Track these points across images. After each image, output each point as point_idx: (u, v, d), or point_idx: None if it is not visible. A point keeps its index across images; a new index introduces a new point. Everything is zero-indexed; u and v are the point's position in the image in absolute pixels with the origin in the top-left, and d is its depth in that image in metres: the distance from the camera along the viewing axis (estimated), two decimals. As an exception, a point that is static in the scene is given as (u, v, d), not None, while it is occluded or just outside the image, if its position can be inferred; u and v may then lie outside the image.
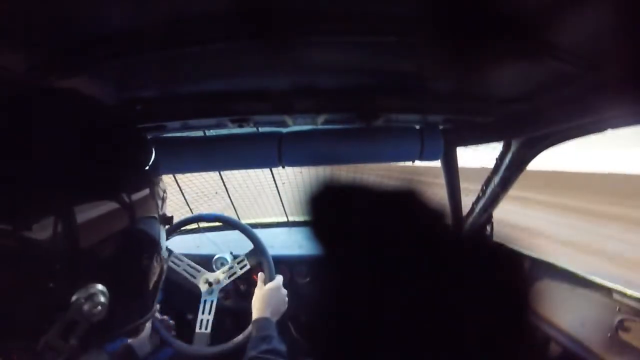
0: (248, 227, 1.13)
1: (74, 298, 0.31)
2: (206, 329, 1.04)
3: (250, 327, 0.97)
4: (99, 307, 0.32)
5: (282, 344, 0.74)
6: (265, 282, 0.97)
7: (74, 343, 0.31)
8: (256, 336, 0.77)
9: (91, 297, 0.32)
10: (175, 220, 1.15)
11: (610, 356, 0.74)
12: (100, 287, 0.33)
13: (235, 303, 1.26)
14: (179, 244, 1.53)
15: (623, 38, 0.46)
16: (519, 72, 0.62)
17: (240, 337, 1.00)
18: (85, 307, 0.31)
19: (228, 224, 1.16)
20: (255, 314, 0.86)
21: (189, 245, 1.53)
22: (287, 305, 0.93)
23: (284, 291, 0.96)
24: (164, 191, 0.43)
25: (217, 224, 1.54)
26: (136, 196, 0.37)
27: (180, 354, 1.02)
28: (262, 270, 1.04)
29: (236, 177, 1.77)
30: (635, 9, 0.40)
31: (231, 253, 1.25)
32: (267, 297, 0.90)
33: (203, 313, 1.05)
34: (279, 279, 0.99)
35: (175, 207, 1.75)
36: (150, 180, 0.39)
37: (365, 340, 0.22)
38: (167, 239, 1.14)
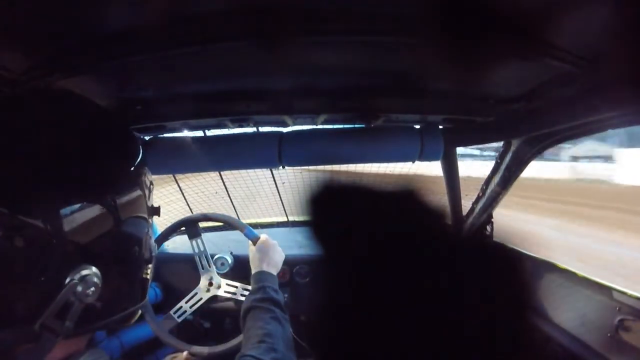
0: (198, 215, 1.13)
1: (67, 279, 0.32)
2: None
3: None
4: (92, 288, 0.34)
5: (278, 293, 0.73)
6: (254, 244, 0.95)
7: (69, 325, 0.33)
8: (252, 289, 0.76)
9: (84, 278, 0.33)
10: (175, 220, 1.15)
11: (610, 356, 0.74)
12: (93, 269, 0.34)
13: (234, 304, 1.26)
14: (179, 244, 1.53)
15: (623, 38, 0.46)
16: (519, 72, 0.62)
17: (240, 337, 1.00)
18: (79, 288, 0.33)
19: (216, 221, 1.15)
20: (252, 271, 0.84)
21: (189, 245, 1.53)
22: (283, 255, 0.91)
23: (273, 242, 0.93)
24: (151, 183, 0.46)
25: (217, 224, 1.54)
26: (124, 189, 0.39)
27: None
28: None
29: (236, 177, 1.77)
30: (635, 9, 0.40)
31: (231, 253, 1.25)
32: (259, 252, 0.88)
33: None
34: (264, 235, 0.96)
35: (175, 207, 1.75)
36: (138, 174, 0.42)
37: (365, 340, 0.22)
38: (168, 238, 1.15)
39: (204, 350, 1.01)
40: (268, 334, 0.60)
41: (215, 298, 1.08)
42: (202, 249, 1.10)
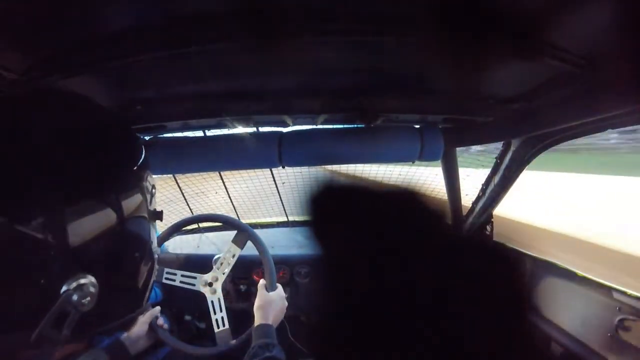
0: (250, 230, 1.12)
1: (63, 288, 0.32)
2: (224, 325, 1.05)
3: (250, 330, 0.97)
4: (88, 298, 0.33)
5: (282, 353, 0.74)
6: (267, 288, 0.97)
7: (66, 333, 0.32)
8: (258, 342, 0.77)
9: (80, 287, 0.33)
10: (175, 220, 1.15)
11: (610, 356, 0.74)
12: (89, 278, 0.34)
13: (235, 304, 1.26)
14: (179, 244, 1.53)
15: (623, 37, 0.46)
16: (519, 72, 0.62)
17: (240, 337, 1.00)
18: (75, 297, 0.32)
19: (231, 225, 1.15)
20: (257, 320, 0.86)
21: (189, 245, 1.53)
22: (283, 315, 0.94)
23: (285, 302, 0.96)
24: (153, 187, 0.45)
25: (217, 224, 1.54)
26: (126, 193, 0.38)
27: (179, 353, 1.03)
28: (263, 271, 1.04)
29: (236, 177, 1.77)
30: (635, 9, 0.40)
31: None
32: (271, 304, 0.91)
33: (215, 313, 1.06)
34: (280, 288, 0.99)
35: (175, 207, 1.75)
36: (140, 177, 0.41)
37: (365, 340, 0.22)
38: (167, 239, 1.15)
39: (203, 351, 1.01)
40: None
41: (203, 297, 1.08)
42: (232, 256, 1.11)
